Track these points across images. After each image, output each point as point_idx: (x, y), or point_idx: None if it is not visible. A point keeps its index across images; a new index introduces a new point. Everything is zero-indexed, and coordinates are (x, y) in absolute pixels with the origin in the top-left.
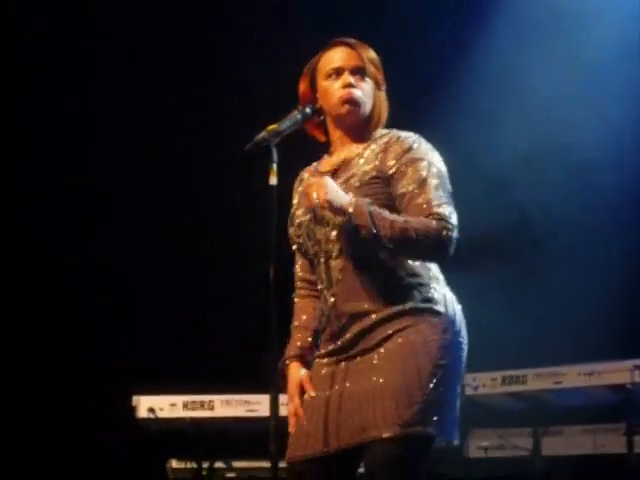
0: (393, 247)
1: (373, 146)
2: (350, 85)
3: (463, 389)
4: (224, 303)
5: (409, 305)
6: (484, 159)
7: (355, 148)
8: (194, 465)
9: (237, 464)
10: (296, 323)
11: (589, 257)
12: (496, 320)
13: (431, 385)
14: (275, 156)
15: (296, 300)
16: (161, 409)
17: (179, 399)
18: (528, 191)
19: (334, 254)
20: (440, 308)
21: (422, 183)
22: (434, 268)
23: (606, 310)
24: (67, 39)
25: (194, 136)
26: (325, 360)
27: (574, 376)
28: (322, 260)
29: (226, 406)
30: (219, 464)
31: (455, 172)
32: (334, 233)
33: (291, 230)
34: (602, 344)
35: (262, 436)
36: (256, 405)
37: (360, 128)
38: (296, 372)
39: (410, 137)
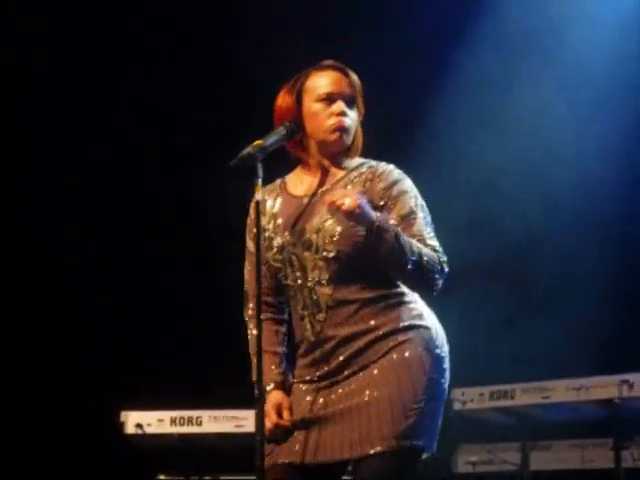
0: (410, 267)
1: (355, 173)
2: (343, 114)
3: (451, 404)
4: (211, 320)
5: (401, 323)
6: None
7: (334, 173)
8: None
9: (225, 479)
10: (267, 347)
11: (577, 273)
12: (485, 335)
13: (425, 398)
14: (260, 172)
15: (251, 319)
16: (149, 425)
17: (167, 415)
18: (515, 210)
19: (324, 281)
20: (428, 324)
21: (412, 215)
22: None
23: (594, 325)
24: (67, 39)
25: (194, 137)
26: (311, 386)
27: (562, 391)
28: (307, 285)
29: (214, 422)
30: (207, 479)
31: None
32: (332, 254)
33: (268, 254)
34: (590, 359)
35: (250, 451)
36: (243, 421)
37: (340, 155)
38: (277, 397)
39: (394, 169)
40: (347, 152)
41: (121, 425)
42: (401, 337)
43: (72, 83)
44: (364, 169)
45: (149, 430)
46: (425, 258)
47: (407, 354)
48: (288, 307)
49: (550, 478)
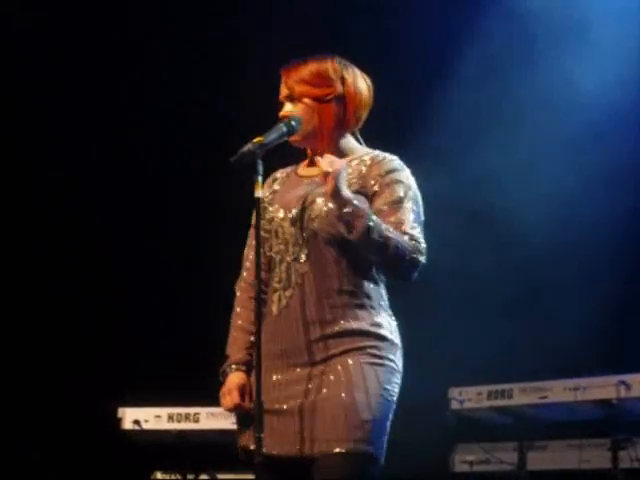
0: (376, 250)
1: (356, 160)
2: (282, 117)
3: (449, 403)
4: (209, 316)
5: (359, 325)
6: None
7: None
8: (179, 477)
9: (222, 476)
10: (239, 322)
11: (576, 274)
12: (482, 335)
13: (379, 407)
14: (260, 169)
15: (239, 295)
16: (146, 421)
17: (164, 411)
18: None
19: (301, 258)
20: (387, 334)
21: (398, 203)
22: (384, 294)
23: (592, 325)
24: (67, 38)
25: (193, 136)
26: (272, 363)
27: (560, 391)
28: (286, 259)
29: (211, 418)
30: (204, 476)
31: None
32: (313, 232)
33: (262, 223)
34: (588, 359)
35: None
36: None
37: (321, 145)
38: (240, 378)
39: (395, 160)
40: (324, 140)
41: (118, 421)
42: (356, 342)
43: (69, 82)
44: (366, 157)
45: (146, 426)
46: (394, 244)
47: (363, 360)
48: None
49: (547, 478)
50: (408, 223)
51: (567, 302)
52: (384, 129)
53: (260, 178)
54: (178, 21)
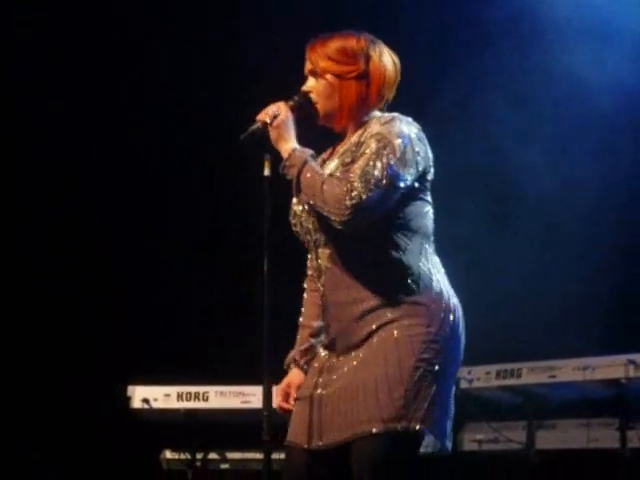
0: (309, 197)
1: (360, 131)
2: (305, 93)
3: (458, 382)
4: (222, 296)
5: (394, 296)
6: None
7: (351, 136)
8: (188, 456)
9: (231, 455)
10: (301, 319)
11: (585, 252)
12: (492, 313)
13: (414, 379)
14: (269, 146)
15: (305, 294)
16: (155, 400)
17: (173, 390)
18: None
19: (322, 242)
20: (426, 301)
21: (365, 156)
22: (432, 260)
23: (602, 305)
24: (67, 38)
25: (193, 136)
26: (322, 353)
27: (569, 370)
28: (313, 249)
29: (220, 397)
30: (213, 455)
31: None
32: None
33: (290, 219)
34: (597, 339)
35: (256, 427)
36: (250, 396)
37: (343, 122)
38: (289, 377)
39: (394, 118)
40: (343, 118)
41: (127, 400)
42: (392, 313)
43: (69, 81)
44: (372, 122)
45: (155, 405)
46: (321, 191)
47: (396, 333)
48: None
49: (555, 457)
50: (358, 172)
51: (576, 281)
52: None
53: (268, 156)
54: (178, 21)
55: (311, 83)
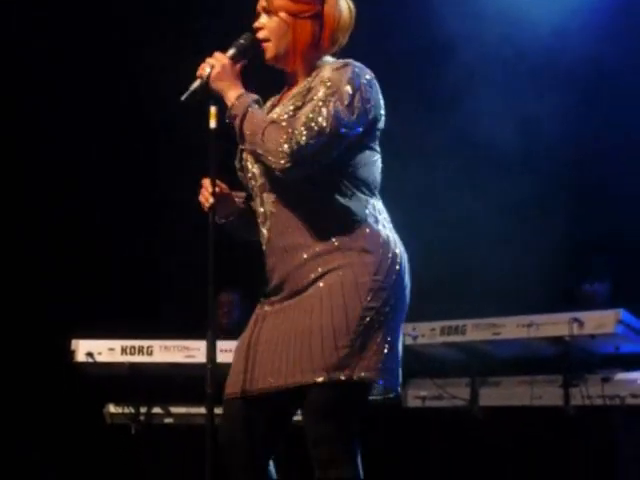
0: (249, 143)
1: (311, 76)
2: (258, 29)
3: (402, 340)
4: (164, 248)
5: (340, 242)
6: None
7: (301, 81)
8: (132, 410)
9: (175, 409)
10: None
11: (532, 211)
12: (438, 270)
13: (361, 328)
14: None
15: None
16: (99, 353)
17: (117, 344)
18: None
19: (267, 187)
20: (373, 248)
21: (312, 102)
22: (378, 208)
23: (546, 262)
24: (67, 38)
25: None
26: (265, 306)
27: (513, 327)
28: (258, 194)
29: (164, 352)
30: (157, 409)
31: None
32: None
33: (236, 163)
34: (542, 296)
35: (200, 382)
36: (195, 351)
37: (294, 64)
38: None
39: (347, 65)
40: (296, 57)
41: (71, 353)
42: (338, 259)
43: (66, 80)
44: (324, 67)
45: (99, 359)
46: (260, 134)
47: (342, 279)
48: None
49: (499, 414)
50: (303, 119)
51: (521, 239)
52: None
53: (214, 108)
54: (178, 21)
55: (263, 20)
